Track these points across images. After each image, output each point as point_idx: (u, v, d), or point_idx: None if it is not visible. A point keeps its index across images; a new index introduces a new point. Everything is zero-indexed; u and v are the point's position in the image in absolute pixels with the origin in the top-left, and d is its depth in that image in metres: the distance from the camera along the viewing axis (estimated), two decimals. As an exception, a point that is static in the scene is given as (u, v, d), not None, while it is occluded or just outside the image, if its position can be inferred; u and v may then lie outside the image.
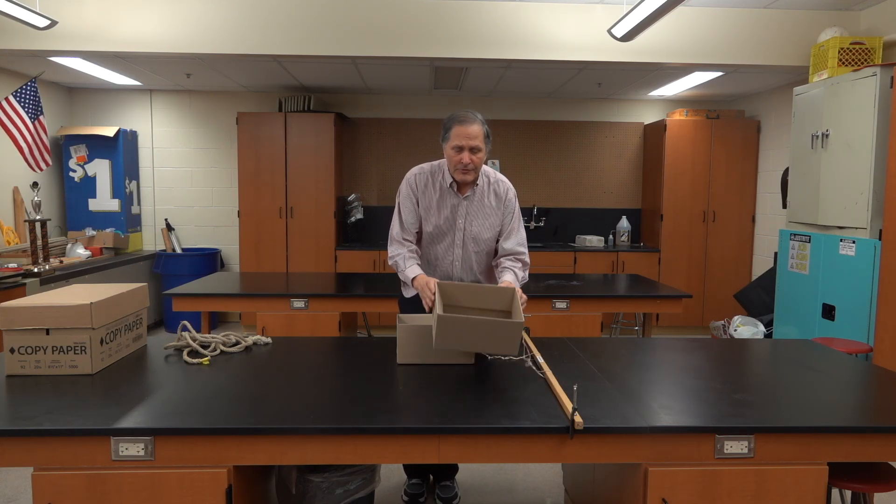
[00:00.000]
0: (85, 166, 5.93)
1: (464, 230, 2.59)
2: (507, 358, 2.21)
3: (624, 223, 6.45)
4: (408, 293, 2.66)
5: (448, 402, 1.81)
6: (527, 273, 2.66)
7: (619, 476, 1.89)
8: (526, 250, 2.68)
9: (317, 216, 5.98)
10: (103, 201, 5.97)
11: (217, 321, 6.47)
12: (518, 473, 3.18)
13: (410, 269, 2.52)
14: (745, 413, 1.74)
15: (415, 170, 2.63)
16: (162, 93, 6.33)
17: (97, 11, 4.35)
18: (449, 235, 2.60)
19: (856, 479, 1.88)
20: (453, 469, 2.93)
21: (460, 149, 2.43)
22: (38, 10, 3.74)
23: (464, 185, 2.57)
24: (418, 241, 2.67)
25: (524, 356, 2.20)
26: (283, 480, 2.16)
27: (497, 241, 2.67)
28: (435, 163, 2.64)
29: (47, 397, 1.83)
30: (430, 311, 2.30)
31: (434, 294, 2.23)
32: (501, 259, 2.65)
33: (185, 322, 2.43)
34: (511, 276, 2.55)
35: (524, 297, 2.36)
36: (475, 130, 2.43)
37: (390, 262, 2.60)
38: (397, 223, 2.62)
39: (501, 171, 6.44)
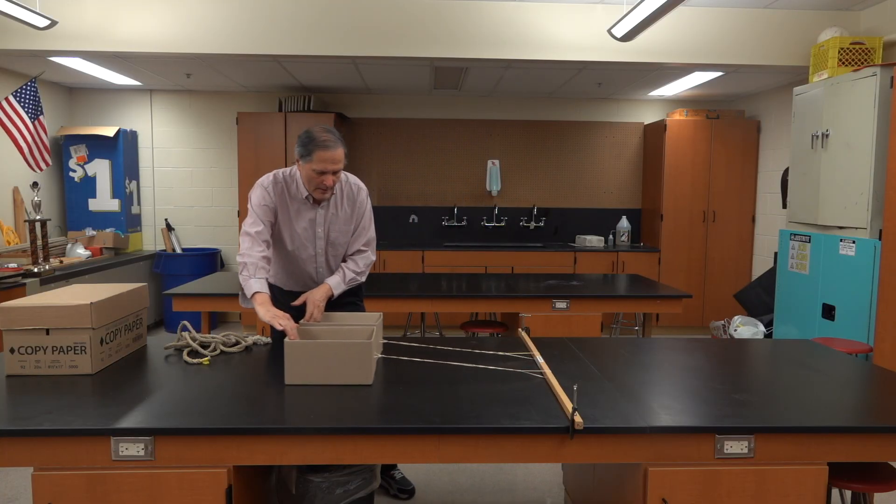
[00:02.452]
0: (85, 166, 5.93)
1: (325, 238, 2.58)
2: (519, 372, 2.19)
3: (624, 223, 6.45)
4: (244, 303, 2.55)
5: (448, 402, 1.81)
6: (364, 270, 2.65)
7: (619, 476, 1.89)
8: (370, 249, 2.68)
9: (317, 216, 5.97)
10: (103, 201, 5.97)
11: (217, 321, 6.47)
12: (518, 473, 3.18)
13: (256, 282, 2.37)
14: (745, 413, 1.74)
15: (268, 179, 2.55)
16: (162, 93, 6.33)
17: (97, 11, 4.35)
18: (310, 245, 2.58)
19: (856, 479, 1.88)
20: None
21: (323, 172, 2.40)
22: (38, 10, 3.74)
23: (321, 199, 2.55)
24: (276, 252, 2.63)
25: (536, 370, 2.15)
26: (283, 480, 2.16)
27: None
28: (286, 171, 2.57)
29: (47, 397, 1.83)
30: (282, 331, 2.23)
31: (289, 325, 2.18)
32: (346, 256, 2.66)
33: (185, 322, 2.43)
34: (337, 277, 2.56)
35: (319, 305, 2.40)
36: (338, 155, 2.40)
37: (238, 258, 2.45)
38: (255, 220, 2.49)
39: (501, 171, 6.55)
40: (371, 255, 2.70)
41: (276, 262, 2.67)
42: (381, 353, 2.32)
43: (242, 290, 2.44)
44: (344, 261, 2.68)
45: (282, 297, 2.64)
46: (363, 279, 2.69)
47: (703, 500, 1.68)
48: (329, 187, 2.44)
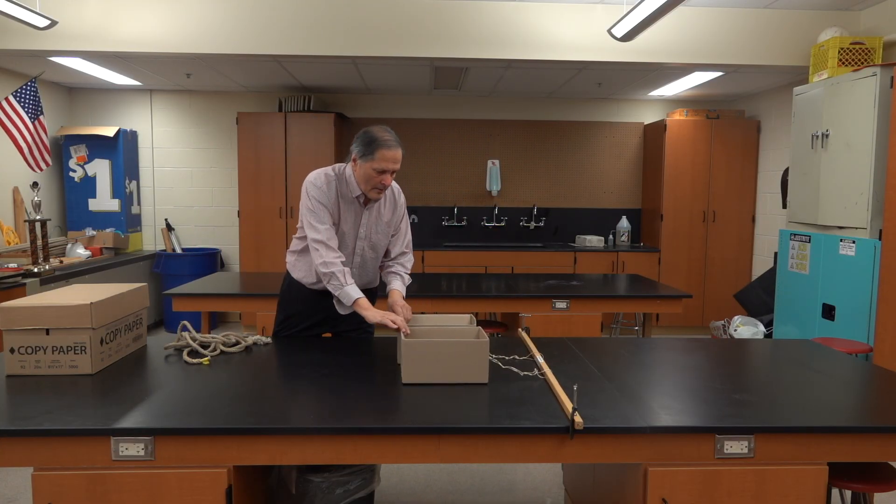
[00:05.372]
0: (85, 166, 5.93)
1: (365, 239, 2.59)
2: (524, 375, 2.15)
3: (624, 223, 6.45)
4: (342, 310, 2.49)
5: (448, 402, 1.81)
6: (409, 270, 2.73)
7: (619, 476, 1.89)
8: (411, 251, 2.76)
9: (317, 216, 5.97)
10: (103, 201, 5.97)
11: (217, 321, 6.47)
12: (518, 473, 3.18)
13: (351, 289, 2.40)
14: (745, 413, 1.74)
15: (319, 175, 2.51)
16: (162, 93, 6.33)
17: (97, 11, 4.35)
18: (350, 244, 2.58)
19: (856, 479, 1.88)
20: None
21: (384, 171, 2.41)
22: (38, 10, 3.74)
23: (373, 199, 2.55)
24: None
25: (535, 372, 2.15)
26: (283, 480, 2.16)
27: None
28: (336, 168, 2.55)
29: (47, 397, 1.83)
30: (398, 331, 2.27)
31: (400, 321, 2.24)
32: (390, 262, 2.70)
33: (185, 322, 2.43)
34: (399, 283, 2.62)
35: (408, 306, 2.45)
36: (399, 155, 2.43)
37: (324, 269, 2.40)
38: (323, 226, 2.45)
39: (501, 171, 6.55)
40: (412, 257, 2.76)
41: (308, 257, 2.61)
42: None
43: (336, 297, 2.45)
44: (388, 265, 2.71)
45: (305, 295, 2.63)
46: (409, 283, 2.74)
47: (703, 500, 1.68)
48: (386, 186, 2.45)
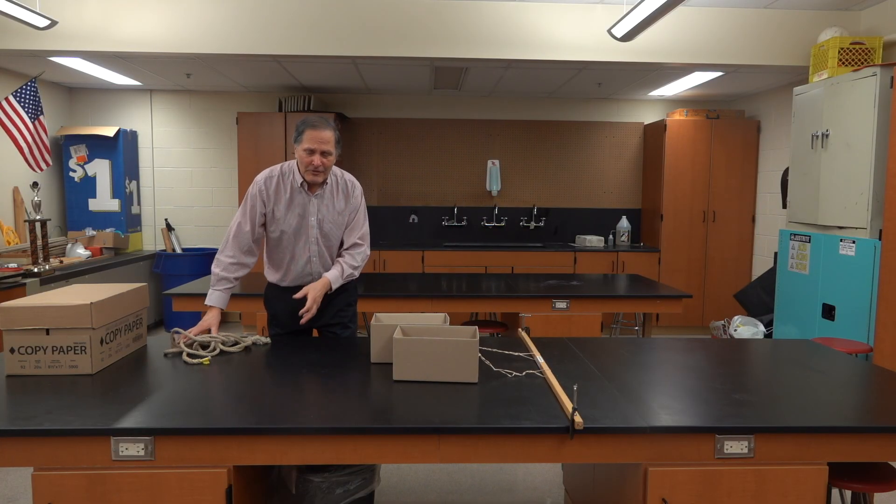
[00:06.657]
0: (85, 166, 5.93)
1: (317, 227, 2.64)
2: (513, 375, 2.14)
3: (624, 223, 6.45)
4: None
5: (448, 403, 1.81)
6: (359, 265, 2.72)
7: (619, 476, 1.89)
8: (366, 243, 2.76)
9: (317, 216, 5.97)
10: (103, 201, 5.97)
11: (217, 321, 6.46)
12: (518, 473, 3.18)
13: (211, 297, 2.62)
14: (745, 413, 1.74)
15: (264, 173, 2.65)
16: (162, 93, 6.33)
17: (97, 11, 4.35)
18: (303, 234, 2.63)
19: (856, 479, 1.88)
20: None
21: (312, 151, 2.51)
22: (38, 10, 3.74)
23: (314, 184, 2.63)
24: (272, 245, 2.70)
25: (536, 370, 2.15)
26: (282, 480, 2.16)
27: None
28: (285, 164, 2.68)
29: (47, 397, 1.83)
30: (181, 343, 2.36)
31: (196, 331, 2.44)
32: (342, 252, 2.73)
33: (177, 328, 2.43)
34: (335, 271, 2.64)
35: (317, 298, 2.50)
36: (327, 136, 2.52)
37: (213, 266, 2.66)
38: (236, 226, 2.64)
39: (502, 171, 6.56)
40: (367, 250, 2.76)
41: (272, 256, 2.71)
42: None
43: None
44: (340, 255, 2.73)
45: (279, 294, 2.72)
46: (358, 274, 2.76)
47: (703, 500, 1.68)
48: (318, 167, 2.52)
